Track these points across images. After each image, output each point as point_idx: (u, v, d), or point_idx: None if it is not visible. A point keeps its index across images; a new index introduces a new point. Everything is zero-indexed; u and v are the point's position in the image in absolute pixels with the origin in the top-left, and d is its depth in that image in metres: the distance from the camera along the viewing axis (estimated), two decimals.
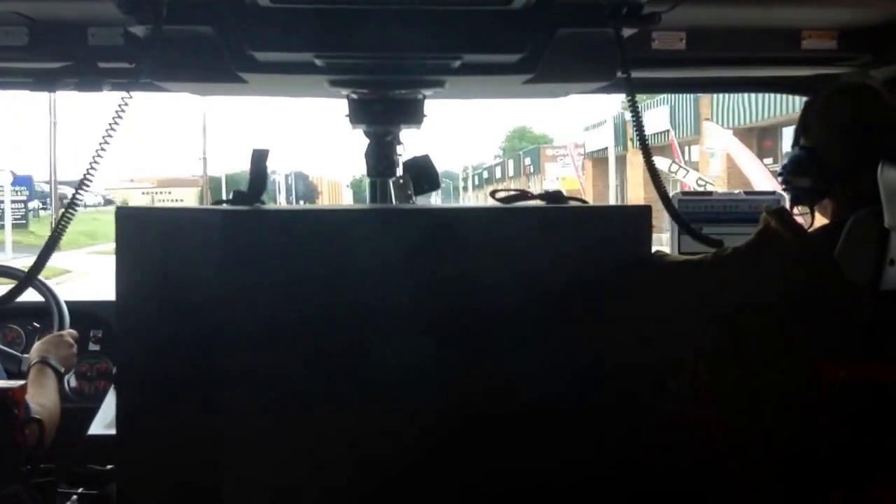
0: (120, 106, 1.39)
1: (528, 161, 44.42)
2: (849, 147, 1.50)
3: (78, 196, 1.37)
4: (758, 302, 1.23)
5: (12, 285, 1.58)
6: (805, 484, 1.18)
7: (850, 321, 1.22)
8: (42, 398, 1.80)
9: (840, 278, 1.23)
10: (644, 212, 1.33)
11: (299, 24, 1.43)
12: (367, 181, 1.97)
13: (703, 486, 1.28)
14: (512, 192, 1.42)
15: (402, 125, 1.82)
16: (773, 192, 2.32)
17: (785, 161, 1.61)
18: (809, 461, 1.15)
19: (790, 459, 1.12)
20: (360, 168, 1.92)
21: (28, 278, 1.50)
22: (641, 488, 1.27)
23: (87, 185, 1.38)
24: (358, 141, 1.90)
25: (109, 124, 1.39)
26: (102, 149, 1.39)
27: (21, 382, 1.30)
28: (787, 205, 1.66)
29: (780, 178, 1.64)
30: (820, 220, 1.57)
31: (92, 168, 1.40)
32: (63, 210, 1.41)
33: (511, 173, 45.78)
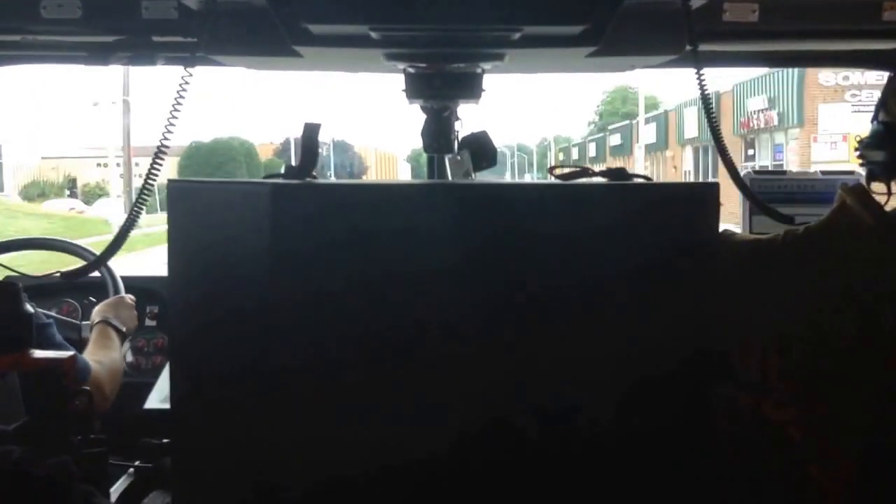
0: (183, 78, 1.43)
1: (617, 140, 42.64)
2: None
3: (153, 173, 1.43)
4: (834, 283, 1.21)
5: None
6: (885, 472, 1.17)
7: None
8: (103, 356, 1.87)
9: None
10: (712, 188, 1.32)
11: None
12: (425, 155, 1.99)
13: (775, 472, 1.27)
14: (572, 169, 1.42)
15: (460, 100, 1.83)
16: (852, 172, 2.28)
17: (864, 137, 1.59)
18: (889, 449, 1.13)
19: (867, 447, 1.11)
20: (419, 140, 1.94)
21: (99, 260, 1.56)
22: (709, 471, 1.27)
23: (160, 164, 1.44)
24: (418, 112, 1.91)
25: (175, 99, 1.44)
26: (171, 124, 1.44)
27: (70, 353, 1.35)
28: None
29: (857, 154, 1.62)
30: None
31: (163, 146, 1.46)
32: (140, 189, 1.47)
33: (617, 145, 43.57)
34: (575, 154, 54.41)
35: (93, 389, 1.69)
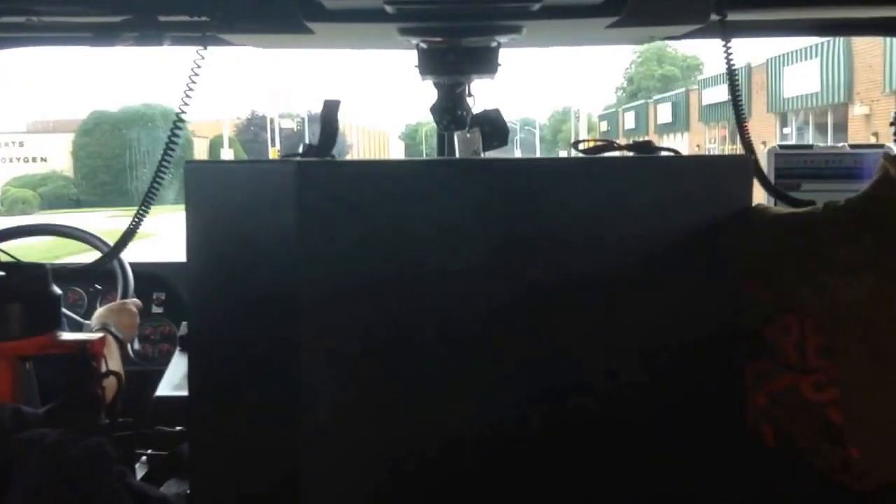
0: (196, 62, 1.42)
1: (666, 115, 37.10)
2: None
3: (166, 161, 1.43)
4: (878, 257, 1.19)
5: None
6: None
7: None
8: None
9: None
10: (744, 162, 1.30)
11: None
12: (423, 130, 1.97)
13: (814, 454, 1.25)
14: (597, 143, 1.40)
15: (474, 75, 1.81)
16: (882, 146, 2.24)
17: None
18: None
19: None
20: (413, 115, 1.87)
21: (113, 252, 1.56)
22: (742, 449, 1.26)
23: (174, 146, 1.44)
24: (411, 87, 1.89)
25: (188, 83, 1.43)
26: (185, 105, 1.43)
27: (100, 335, 1.35)
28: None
29: (892, 127, 1.59)
30: None
31: (177, 128, 1.49)
32: (154, 178, 1.46)
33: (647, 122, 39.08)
34: (604, 127, 48.30)
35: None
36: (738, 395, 1.29)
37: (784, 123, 27.39)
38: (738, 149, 1.53)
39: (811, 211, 1.28)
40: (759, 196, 1.78)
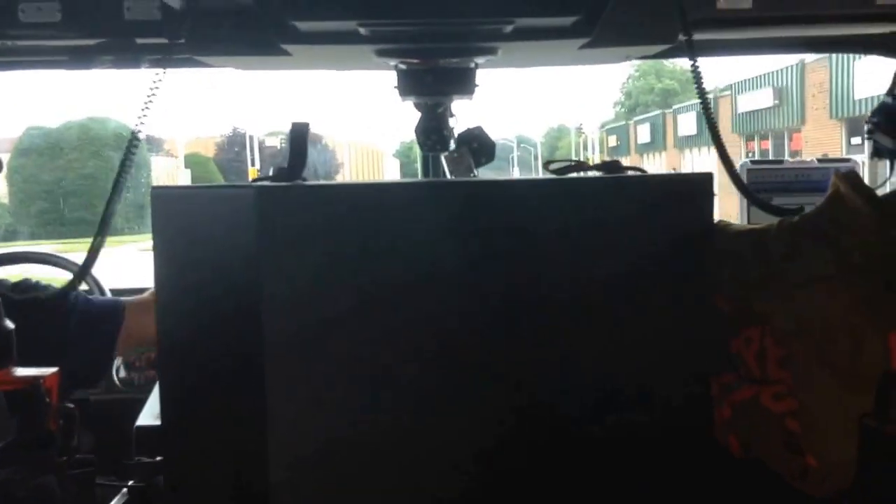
0: (154, 82, 1.44)
1: (689, 125, 32.65)
2: None
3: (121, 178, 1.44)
4: (828, 273, 1.23)
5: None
6: (883, 463, 1.19)
7: None
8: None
9: None
10: (706, 179, 1.33)
11: None
12: (416, 147, 2.00)
13: (775, 463, 1.28)
14: (567, 163, 1.44)
15: (454, 96, 1.84)
16: (849, 160, 2.30)
17: (874, 109, 1.59)
18: (887, 439, 1.15)
19: (865, 436, 1.13)
20: (408, 132, 1.86)
21: (82, 273, 1.56)
22: (711, 461, 1.29)
23: (128, 169, 1.45)
24: (406, 104, 1.90)
25: (145, 102, 1.45)
26: (139, 127, 1.45)
27: (53, 370, 1.33)
28: (867, 163, 1.65)
29: (866, 128, 1.62)
30: None
31: (132, 147, 1.48)
32: (110, 195, 1.47)
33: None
34: (612, 142, 45.41)
35: (133, 322, 1.81)
36: (707, 407, 1.32)
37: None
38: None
39: (768, 227, 1.32)
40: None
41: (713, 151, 1.51)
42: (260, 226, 1.12)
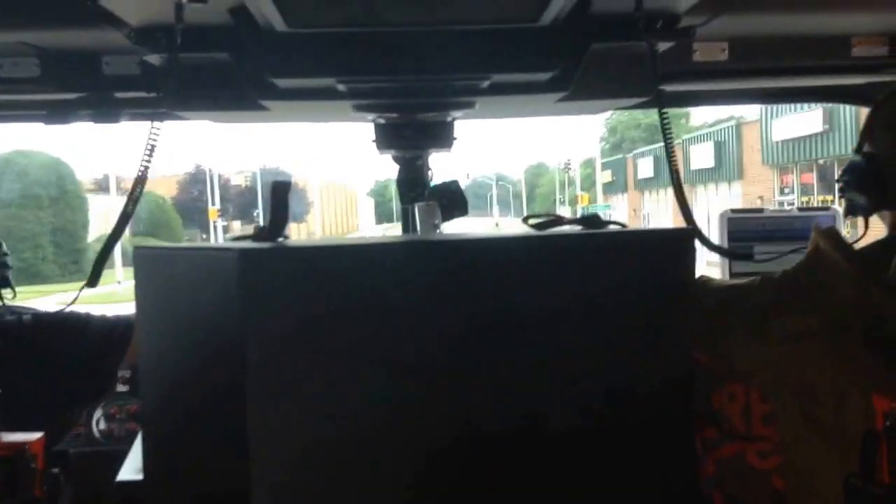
0: (151, 136, 1.45)
1: (649, 170, 33.24)
2: None
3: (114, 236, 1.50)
4: (811, 329, 1.23)
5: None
6: None
7: None
8: None
9: (894, 302, 1.23)
10: (687, 235, 1.34)
11: (320, 50, 1.47)
12: (392, 186, 2.01)
13: None
14: (546, 218, 1.44)
15: (431, 149, 1.85)
16: (828, 208, 2.32)
17: (844, 167, 1.60)
18: (870, 496, 1.14)
19: (849, 494, 1.12)
20: (383, 171, 1.84)
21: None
22: None
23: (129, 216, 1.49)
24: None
25: (144, 155, 1.46)
26: (141, 178, 1.46)
27: (38, 435, 1.31)
28: (842, 215, 1.67)
29: (837, 186, 1.64)
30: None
31: (134, 197, 1.51)
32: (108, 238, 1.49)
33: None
34: (607, 178, 43.33)
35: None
36: (691, 464, 1.31)
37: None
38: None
39: (750, 283, 1.32)
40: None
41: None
42: (243, 288, 1.11)
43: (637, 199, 38.41)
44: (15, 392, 1.50)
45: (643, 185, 36.31)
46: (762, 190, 25.92)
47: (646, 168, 35.42)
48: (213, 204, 37.00)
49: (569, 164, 43.80)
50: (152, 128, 1.50)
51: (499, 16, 1.41)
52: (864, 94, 2.15)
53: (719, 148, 28.88)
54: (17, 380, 1.84)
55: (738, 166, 27.50)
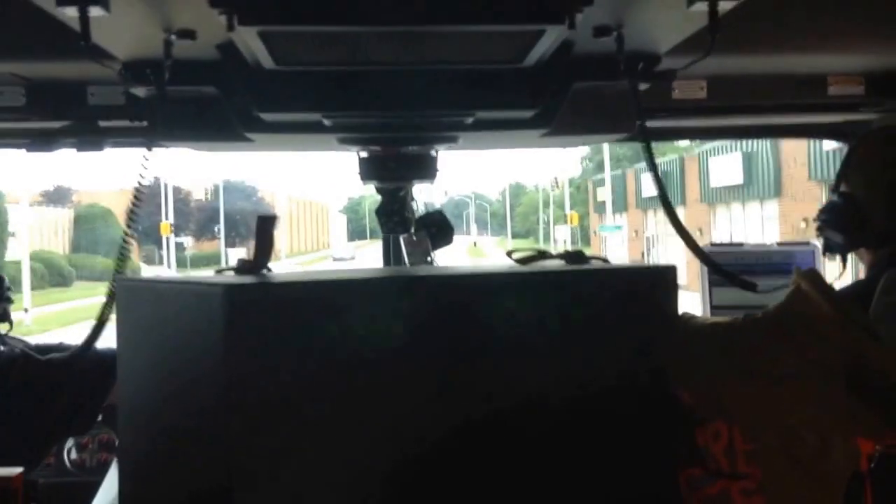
0: (143, 164, 1.47)
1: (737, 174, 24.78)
2: (893, 199, 1.52)
3: (125, 249, 1.49)
4: (793, 371, 1.25)
5: None
6: None
7: (888, 389, 1.24)
8: None
9: (875, 344, 1.24)
10: (670, 271, 1.35)
11: (306, 86, 1.48)
12: (366, 203, 2.02)
13: None
14: (529, 253, 1.45)
15: (415, 181, 1.87)
16: (808, 243, 2.35)
17: (822, 207, 1.63)
18: None
19: None
20: (357, 187, 1.81)
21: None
22: None
23: (129, 242, 1.49)
24: (355, 159, 1.90)
25: (139, 181, 1.47)
26: (136, 204, 1.47)
27: (18, 470, 1.30)
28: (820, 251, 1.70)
29: (815, 225, 1.66)
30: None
31: (131, 222, 1.51)
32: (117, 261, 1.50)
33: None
34: (601, 196, 38.66)
35: None
36: (674, 502, 1.32)
37: None
38: None
39: (732, 322, 1.34)
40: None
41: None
42: (227, 323, 1.10)
43: (639, 219, 35.52)
44: None
45: (647, 203, 33.18)
46: (808, 209, 20.88)
47: (650, 184, 34.03)
48: (167, 218, 35.28)
49: (556, 181, 42.40)
50: (143, 157, 1.51)
51: (484, 57, 1.43)
52: (842, 131, 2.19)
53: (748, 161, 24.72)
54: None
55: (776, 181, 23.38)
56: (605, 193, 36.67)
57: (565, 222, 38.67)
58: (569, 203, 40.41)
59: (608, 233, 34.24)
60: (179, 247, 39.32)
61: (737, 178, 25.17)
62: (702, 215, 27.84)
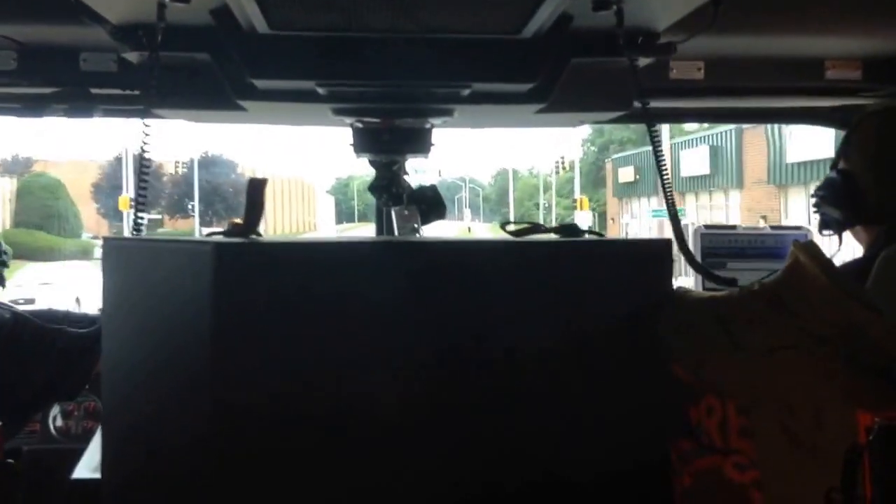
0: (144, 133, 1.46)
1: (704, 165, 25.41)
2: (891, 178, 1.51)
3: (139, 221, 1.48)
4: (788, 342, 1.24)
5: None
6: None
7: (886, 361, 1.23)
8: None
9: (873, 316, 1.24)
10: (665, 245, 1.35)
11: (300, 52, 1.47)
12: (354, 184, 2.02)
13: None
14: (524, 226, 1.44)
15: (409, 154, 1.86)
16: (800, 227, 2.35)
17: (819, 184, 1.62)
18: None
19: None
20: (346, 167, 1.81)
21: None
22: None
23: (141, 211, 1.48)
24: (343, 138, 1.87)
25: (142, 150, 1.46)
26: (144, 175, 1.46)
27: None
28: (814, 234, 1.69)
29: (812, 202, 1.66)
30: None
31: (140, 195, 1.49)
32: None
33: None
34: (627, 176, 33.92)
35: None
36: (665, 476, 1.32)
37: None
38: None
39: (728, 294, 1.33)
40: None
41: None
42: (216, 281, 1.11)
43: (615, 208, 35.25)
44: None
45: (623, 191, 33.28)
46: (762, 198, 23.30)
47: (627, 174, 32.09)
48: (127, 191, 31.94)
49: (563, 162, 39.31)
50: (143, 126, 1.50)
51: (481, 27, 1.42)
52: (838, 116, 2.19)
53: (715, 153, 26.16)
54: None
55: (738, 174, 24.97)
56: (627, 174, 33.91)
57: (574, 208, 34.46)
58: (578, 188, 37.51)
59: (661, 218, 28.03)
60: (154, 224, 36.41)
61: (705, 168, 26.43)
62: (769, 195, 25.54)
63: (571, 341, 1.26)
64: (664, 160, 1.53)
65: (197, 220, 38.37)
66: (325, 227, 56.35)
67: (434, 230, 1.99)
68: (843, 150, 1.60)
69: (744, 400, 1.25)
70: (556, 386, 1.25)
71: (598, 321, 1.28)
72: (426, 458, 1.20)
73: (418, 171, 1.88)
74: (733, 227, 2.36)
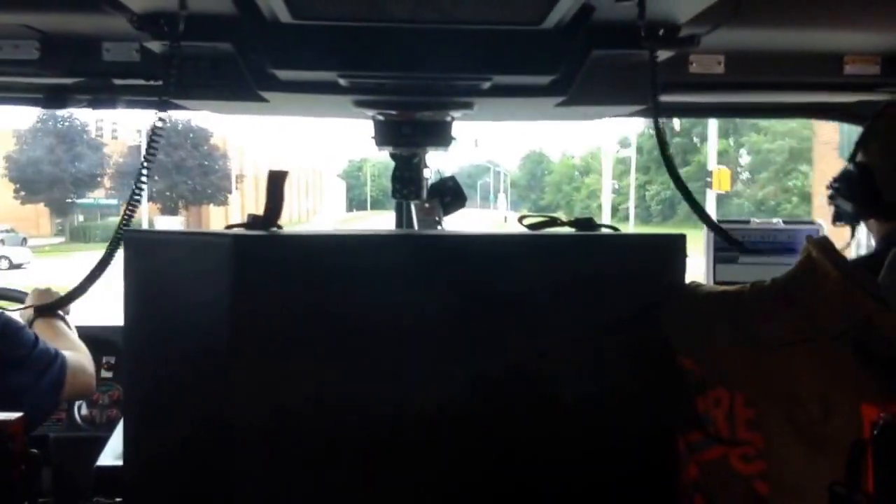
0: (156, 124, 1.46)
1: None
2: None
3: (128, 215, 1.46)
4: (799, 337, 1.25)
5: None
6: None
7: (895, 356, 1.24)
8: (63, 342, 1.95)
9: (883, 311, 1.25)
10: (678, 240, 1.36)
11: (323, 43, 1.47)
12: (367, 167, 2.02)
13: None
14: (541, 219, 1.46)
15: (429, 147, 1.87)
16: (812, 222, 2.36)
17: (836, 175, 1.63)
18: (851, 503, 1.17)
19: (835, 500, 1.14)
20: (357, 151, 1.75)
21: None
22: None
23: (135, 206, 1.47)
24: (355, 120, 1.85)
25: (150, 143, 1.47)
26: (147, 168, 1.46)
27: (18, 415, 1.31)
28: (829, 222, 1.70)
29: (828, 193, 1.66)
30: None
31: (138, 189, 1.48)
32: (114, 235, 1.47)
33: None
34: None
35: (76, 374, 1.86)
36: (671, 466, 1.33)
37: None
38: None
39: (740, 289, 1.34)
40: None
41: None
42: (235, 274, 1.12)
43: None
44: None
45: None
46: None
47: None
48: (79, 162, 27.15)
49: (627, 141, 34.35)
50: (157, 117, 1.51)
51: (502, 17, 1.42)
52: (856, 112, 2.19)
53: None
54: None
55: None
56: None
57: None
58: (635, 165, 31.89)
59: None
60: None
61: None
62: None
63: (582, 329, 1.28)
64: (669, 152, 1.54)
65: (145, 205, 27.67)
66: (331, 215, 48.12)
67: (469, 222, 2.00)
68: (862, 142, 1.60)
69: (752, 392, 1.27)
70: (565, 373, 1.27)
71: (609, 311, 1.29)
72: (454, 447, 1.22)
73: (455, 140, 1.86)
74: (746, 221, 2.36)
